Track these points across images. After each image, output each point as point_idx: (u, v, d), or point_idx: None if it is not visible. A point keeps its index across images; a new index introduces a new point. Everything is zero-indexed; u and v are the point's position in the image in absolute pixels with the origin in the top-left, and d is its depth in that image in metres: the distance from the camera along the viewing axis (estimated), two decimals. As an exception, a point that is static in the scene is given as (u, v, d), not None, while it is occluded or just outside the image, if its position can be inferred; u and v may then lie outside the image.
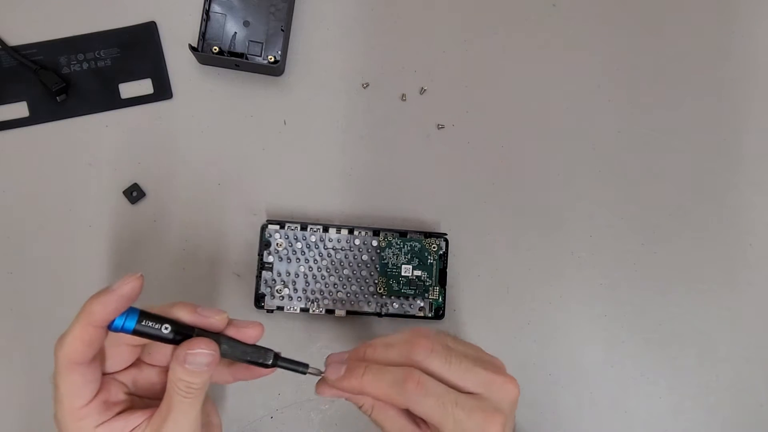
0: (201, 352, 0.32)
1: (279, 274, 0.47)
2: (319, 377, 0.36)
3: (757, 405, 0.52)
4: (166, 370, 0.35)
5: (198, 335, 0.33)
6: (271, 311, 0.47)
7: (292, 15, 0.51)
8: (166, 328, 0.32)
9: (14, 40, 0.49)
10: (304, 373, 0.36)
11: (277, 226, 0.47)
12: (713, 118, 0.54)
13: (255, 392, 0.49)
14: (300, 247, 0.47)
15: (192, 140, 0.50)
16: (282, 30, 0.50)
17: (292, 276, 0.47)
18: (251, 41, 0.50)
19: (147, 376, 0.36)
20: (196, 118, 0.50)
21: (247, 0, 0.50)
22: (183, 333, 0.33)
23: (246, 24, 0.50)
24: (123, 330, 0.32)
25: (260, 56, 0.50)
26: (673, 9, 0.54)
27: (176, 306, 0.34)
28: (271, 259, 0.47)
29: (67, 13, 0.50)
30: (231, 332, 0.34)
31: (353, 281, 0.48)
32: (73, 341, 0.32)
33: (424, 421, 0.35)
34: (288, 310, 0.47)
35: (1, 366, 0.47)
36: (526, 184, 0.52)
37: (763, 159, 0.54)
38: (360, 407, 0.36)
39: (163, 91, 0.50)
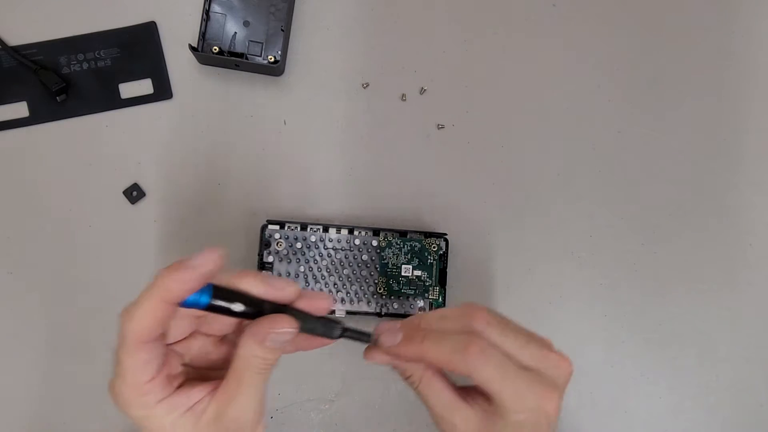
0: (284, 330, 0.31)
1: (279, 274, 0.47)
2: (389, 345, 0.34)
3: (757, 405, 0.52)
4: (221, 339, 0.34)
5: (268, 308, 0.32)
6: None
7: (292, 15, 0.51)
8: (239, 305, 0.31)
9: (14, 40, 0.49)
10: (368, 342, 0.34)
11: (277, 226, 0.47)
12: (713, 118, 0.54)
13: (255, 392, 0.49)
14: (300, 247, 0.47)
15: (192, 140, 0.50)
16: (282, 30, 0.50)
17: (292, 276, 0.47)
18: (251, 41, 0.50)
19: (202, 346, 0.35)
20: (196, 118, 0.50)
21: (247, 0, 0.50)
22: (255, 307, 0.32)
23: (246, 24, 0.50)
24: (196, 306, 0.30)
25: (260, 56, 0.50)
26: (673, 9, 0.54)
27: (246, 277, 0.32)
28: (271, 259, 0.47)
29: (67, 13, 0.50)
30: (301, 304, 0.33)
31: (353, 281, 0.48)
32: (145, 318, 0.29)
33: (471, 396, 0.35)
34: (288, 310, 0.47)
35: (1, 366, 0.47)
36: (526, 184, 0.52)
37: (763, 159, 0.54)
38: (407, 378, 0.36)
39: (163, 91, 0.50)
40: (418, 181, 0.51)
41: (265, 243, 0.47)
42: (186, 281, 0.29)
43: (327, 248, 0.48)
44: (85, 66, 0.50)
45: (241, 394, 0.32)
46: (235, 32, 0.50)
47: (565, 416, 0.50)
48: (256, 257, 0.48)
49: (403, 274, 0.48)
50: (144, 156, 0.50)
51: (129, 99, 0.50)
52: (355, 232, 0.48)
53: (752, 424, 0.52)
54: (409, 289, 0.48)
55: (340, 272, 0.48)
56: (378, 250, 0.48)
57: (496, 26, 0.53)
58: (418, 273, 0.48)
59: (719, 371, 0.52)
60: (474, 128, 0.52)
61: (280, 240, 0.47)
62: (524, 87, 0.53)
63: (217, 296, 0.30)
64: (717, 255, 0.53)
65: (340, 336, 0.34)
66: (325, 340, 0.34)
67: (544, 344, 0.35)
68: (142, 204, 0.49)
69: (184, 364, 0.34)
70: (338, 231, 0.48)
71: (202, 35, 0.49)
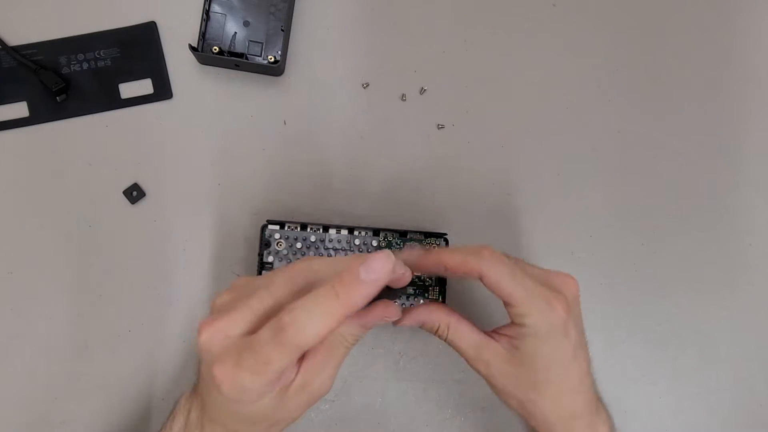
0: (389, 319, 0.35)
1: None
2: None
3: (757, 405, 0.52)
4: None
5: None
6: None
7: (292, 15, 0.51)
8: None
9: (14, 40, 0.49)
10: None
11: (277, 226, 0.47)
12: (713, 118, 0.54)
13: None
14: (300, 247, 0.47)
15: (192, 140, 0.50)
16: (282, 30, 0.50)
17: (292, 276, 0.47)
18: (251, 41, 0.50)
19: None
20: (196, 118, 0.50)
21: (247, 0, 0.50)
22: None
23: (246, 24, 0.50)
24: None
25: (260, 56, 0.50)
26: (673, 9, 0.54)
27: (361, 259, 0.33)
28: (271, 259, 0.47)
29: (67, 13, 0.50)
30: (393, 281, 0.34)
31: (353, 281, 0.48)
32: (323, 332, 0.30)
33: (496, 334, 0.39)
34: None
35: (1, 366, 0.47)
36: (526, 184, 0.52)
37: (763, 159, 0.54)
38: (436, 332, 0.40)
39: (163, 91, 0.50)
40: (418, 181, 0.51)
41: (265, 243, 0.47)
42: (370, 295, 0.31)
43: (327, 248, 0.48)
44: (85, 66, 0.50)
45: (329, 366, 0.34)
46: (235, 32, 0.50)
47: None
48: (257, 257, 0.48)
49: (403, 274, 0.48)
50: (144, 156, 0.50)
51: (129, 99, 0.50)
52: (355, 233, 0.48)
53: (752, 424, 0.52)
54: (409, 289, 0.48)
55: (340, 272, 0.47)
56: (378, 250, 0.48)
57: (496, 26, 0.53)
58: (417, 273, 0.48)
59: (719, 371, 0.52)
60: (474, 128, 0.52)
61: (280, 240, 0.47)
62: (524, 87, 0.53)
63: None
64: (717, 255, 0.53)
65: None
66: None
67: (549, 270, 0.39)
68: (142, 204, 0.49)
69: None
70: (338, 231, 0.48)
71: (202, 35, 0.49)
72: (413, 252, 0.38)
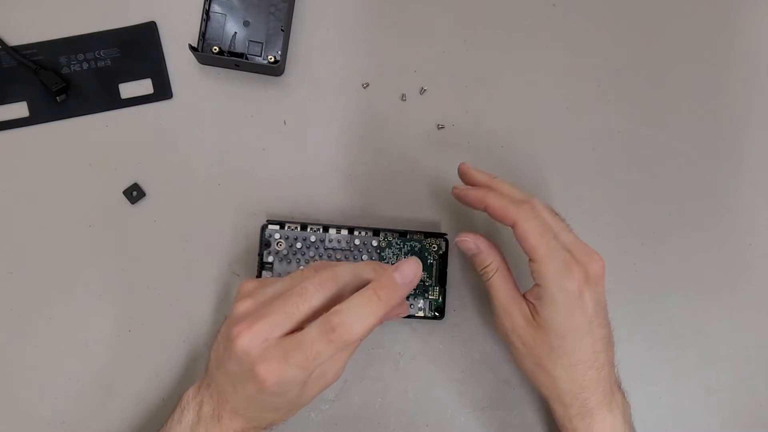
0: (403, 315, 0.45)
1: (279, 274, 0.47)
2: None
3: (757, 405, 0.52)
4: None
5: None
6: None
7: (292, 15, 0.51)
8: None
9: (14, 40, 0.49)
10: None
11: (277, 226, 0.47)
12: (713, 118, 0.54)
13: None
14: (300, 247, 0.47)
15: (192, 140, 0.50)
16: (282, 30, 0.50)
17: (292, 276, 0.47)
18: (251, 41, 0.50)
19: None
20: (196, 118, 0.50)
21: (247, 0, 0.50)
22: None
23: (246, 24, 0.50)
24: None
25: (260, 56, 0.50)
26: (673, 9, 0.54)
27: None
28: (271, 259, 0.47)
29: (67, 13, 0.50)
30: None
31: (353, 281, 0.48)
32: (368, 330, 0.36)
33: (527, 297, 0.43)
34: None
35: (1, 366, 0.47)
36: (526, 185, 0.52)
37: (763, 159, 0.54)
38: (484, 268, 0.44)
39: (163, 91, 0.50)
40: (418, 181, 0.51)
41: (265, 243, 0.47)
42: (403, 297, 0.38)
43: (327, 248, 0.48)
44: (85, 66, 0.50)
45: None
46: (235, 32, 0.50)
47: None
48: (256, 257, 0.48)
49: (403, 274, 0.48)
50: (144, 156, 0.50)
51: (129, 99, 0.50)
52: (355, 233, 0.48)
53: (752, 424, 0.52)
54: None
55: (340, 272, 0.47)
56: (378, 251, 0.48)
57: (496, 26, 0.53)
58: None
59: (719, 371, 0.52)
60: (474, 128, 0.52)
61: (280, 240, 0.47)
62: (524, 87, 0.53)
63: None
64: (717, 255, 0.53)
65: None
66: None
67: (582, 242, 0.42)
68: (142, 204, 0.49)
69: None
70: (338, 231, 0.48)
71: (202, 35, 0.49)
72: (462, 186, 0.45)
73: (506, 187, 0.43)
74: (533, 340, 0.41)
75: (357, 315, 0.35)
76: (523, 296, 0.43)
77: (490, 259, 0.44)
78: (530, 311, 0.42)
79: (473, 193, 0.43)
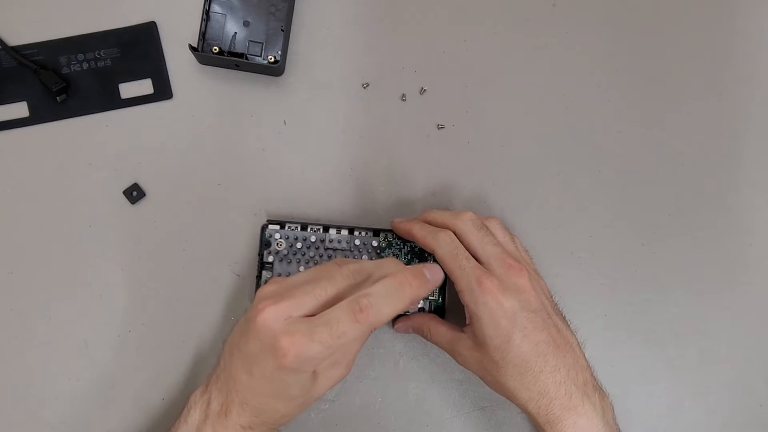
0: (413, 308, 0.48)
1: (279, 275, 0.47)
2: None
3: (757, 405, 0.52)
4: None
5: None
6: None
7: (292, 15, 0.51)
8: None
9: (14, 40, 0.49)
10: None
11: (278, 227, 0.47)
12: (713, 118, 0.54)
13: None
14: (300, 247, 0.47)
15: (192, 140, 0.50)
16: (282, 30, 0.50)
17: (292, 276, 0.47)
18: (251, 41, 0.50)
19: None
20: (196, 118, 0.50)
21: (247, 0, 0.50)
22: None
23: (246, 24, 0.50)
24: None
25: (260, 56, 0.50)
26: (674, 9, 0.54)
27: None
28: (271, 259, 0.47)
29: (67, 13, 0.50)
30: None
31: (353, 281, 0.48)
32: (393, 315, 0.37)
33: (467, 328, 0.44)
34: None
35: (1, 366, 0.47)
36: (526, 184, 0.52)
37: (763, 159, 0.54)
38: (422, 334, 0.47)
39: (163, 91, 0.50)
40: (418, 181, 0.51)
41: (265, 243, 0.47)
42: (429, 292, 0.39)
43: (327, 248, 0.48)
44: (85, 66, 0.50)
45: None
46: (235, 32, 0.50)
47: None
48: (257, 257, 0.48)
49: (403, 274, 0.48)
50: (144, 156, 0.50)
51: (129, 99, 0.50)
52: (355, 233, 0.48)
53: (752, 424, 0.52)
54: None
55: (340, 272, 0.47)
56: (378, 251, 0.48)
57: (496, 26, 0.53)
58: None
59: (719, 371, 0.52)
60: (474, 128, 0.52)
61: (281, 240, 0.47)
62: (524, 87, 0.53)
63: None
64: (717, 255, 0.53)
65: None
66: None
67: (513, 255, 0.43)
68: (142, 204, 0.49)
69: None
70: (338, 231, 0.48)
71: (202, 35, 0.49)
72: (398, 222, 0.47)
73: (434, 215, 0.46)
74: (482, 361, 0.42)
75: (386, 299, 0.37)
76: (464, 327, 0.44)
77: (424, 330, 0.46)
78: (470, 338, 0.43)
79: (403, 225, 0.46)
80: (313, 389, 0.39)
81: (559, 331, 0.42)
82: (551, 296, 0.45)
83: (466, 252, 0.43)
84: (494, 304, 0.41)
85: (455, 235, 0.43)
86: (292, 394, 0.38)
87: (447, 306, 0.49)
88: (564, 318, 0.44)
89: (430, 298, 0.48)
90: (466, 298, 0.42)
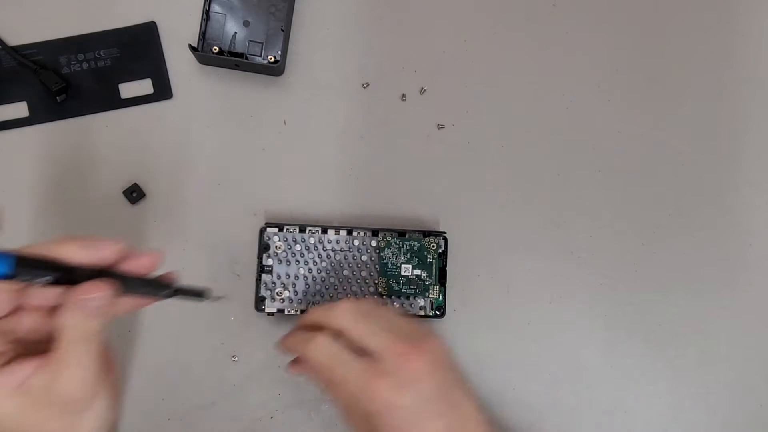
0: (95, 296, 0.30)
1: (279, 277, 0.47)
2: (219, 298, 0.39)
3: (757, 405, 0.52)
4: (51, 311, 0.32)
5: (87, 274, 0.31)
6: (272, 314, 0.47)
7: (292, 15, 0.51)
8: (48, 274, 0.29)
9: (14, 40, 0.49)
10: (202, 299, 0.36)
11: (276, 229, 0.47)
12: (713, 117, 0.54)
13: (255, 392, 0.49)
14: (299, 249, 0.47)
15: (192, 140, 0.50)
16: (282, 30, 0.50)
17: (292, 278, 0.47)
18: (251, 41, 0.50)
19: (34, 320, 0.32)
20: (196, 118, 0.50)
21: (247, 0, 0.50)
22: (68, 274, 0.30)
23: (246, 24, 0.50)
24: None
25: (260, 56, 0.50)
26: (673, 9, 0.54)
27: (64, 244, 0.31)
28: (270, 261, 0.47)
29: (67, 13, 0.50)
30: (126, 265, 0.33)
31: (353, 282, 0.48)
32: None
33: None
34: (289, 312, 0.47)
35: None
36: (526, 184, 0.52)
37: (763, 159, 0.54)
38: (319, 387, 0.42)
39: (163, 91, 0.50)
40: (417, 181, 0.51)
41: (264, 246, 0.47)
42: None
43: (326, 250, 0.48)
44: (85, 66, 0.50)
45: (70, 364, 0.30)
46: (235, 32, 0.50)
47: (565, 416, 0.50)
48: (256, 259, 0.48)
49: (402, 273, 0.48)
50: (144, 156, 0.50)
51: (129, 99, 0.50)
52: (354, 233, 0.48)
53: (752, 424, 0.52)
54: (410, 288, 0.48)
55: (340, 273, 0.48)
56: (377, 251, 0.48)
57: (496, 26, 0.53)
58: (417, 272, 0.48)
59: (719, 371, 0.52)
60: (474, 128, 0.52)
61: (279, 243, 0.47)
62: (524, 87, 0.53)
63: (21, 266, 0.29)
64: (717, 255, 0.53)
65: (172, 295, 0.34)
66: (155, 299, 0.34)
67: (400, 336, 0.38)
68: (142, 204, 0.49)
69: (16, 341, 0.32)
70: (337, 232, 0.48)
71: (202, 35, 0.49)
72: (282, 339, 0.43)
73: (309, 317, 0.41)
74: None
75: None
76: None
77: (316, 381, 0.42)
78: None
79: (281, 343, 0.43)
80: (30, 424, 0.31)
81: (458, 408, 0.38)
82: (450, 355, 0.40)
83: (344, 356, 0.37)
84: (388, 407, 0.36)
85: (340, 331, 0.38)
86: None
87: (447, 305, 0.49)
88: (463, 381, 0.40)
89: (430, 296, 0.48)
90: (355, 410, 0.37)
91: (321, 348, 0.38)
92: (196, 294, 0.36)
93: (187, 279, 0.49)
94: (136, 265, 0.33)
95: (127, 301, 0.34)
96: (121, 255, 0.32)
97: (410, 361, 0.37)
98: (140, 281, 0.33)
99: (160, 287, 0.34)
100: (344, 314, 0.39)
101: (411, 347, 0.37)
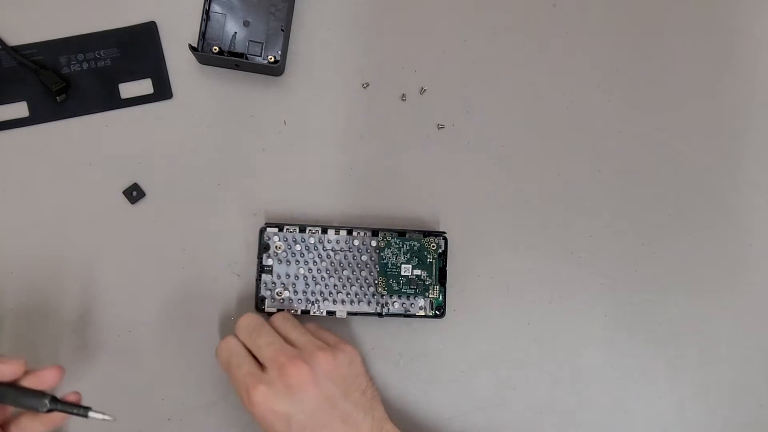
0: None
1: (279, 277, 0.47)
2: (104, 418, 0.37)
3: (757, 405, 0.52)
4: None
5: None
6: (272, 314, 0.47)
7: (292, 15, 0.51)
8: None
9: (14, 40, 0.49)
10: (82, 415, 0.36)
11: (276, 229, 0.47)
12: (713, 118, 0.54)
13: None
14: (299, 249, 0.47)
15: (192, 140, 0.50)
16: (282, 30, 0.50)
17: (292, 278, 0.47)
18: (251, 41, 0.50)
19: None
20: (196, 118, 0.50)
21: (247, 0, 0.50)
22: None
23: (246, 24, 0.50)
24: None
25: (260, 56, 0.50)
26: (673, 9, 0.54)
27: None
28: (270, 261, 0.47)
29: (67, 13, 0.50)
30: (28, 379, 0.36)
31: (353, 282, 0.48)
32: None
33: None
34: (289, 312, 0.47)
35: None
36: (526, 184, 0.52)
37: (763, 159, 0.54)
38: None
39: (163, 91, 0.50)
40: (417, 181, 0.51)
41: (264, 246, 0.47)
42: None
43: (326, 249, 0.48)
44: (85, 66, 0.50)
45: None
46: (235, 32, 0.50)
47: (565, 416, 0.50)
48: (256, 259, 0.48)
49: (402, 273, 0.48)
50: (144, 156, 0.50)
51: (129, 99, 0.50)
52: (354, 233, 0.48)
53: (752, 424, 0.52)
54: (410, 288, 0.48)
55: (340, 273, 0.48)
56: (377, 251, 0.48)
57: (496, 26, 0.53)
58: (417, 272, 0.48)
59: (719, 371, 0.52)
60: (474, 128, 0.52)
61: (279, 243, 0.47)
62: (524, 87, 0.53)
63: None
64: (717, 255, 0.53)
65: (51, 410, 0.35)
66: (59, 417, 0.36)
67: (286, 349, 0.41)
68: (142, 204, 0.49)
69: None
70: (337, 232, 0.48)
71: (202, 35, 0.49)
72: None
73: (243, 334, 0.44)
74: None
75: None
76: None
77: None
78: None
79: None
80: None
81: (345, 421, 0.40)
82: (358, 364, 0.44)
83: (240, 359, 0.42)
84: (266, 413, 0.39)
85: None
86: None
87: (447, 305, 0.49)
88: (367, 389, 0.43)
89: (430, 296, 0.48)
90: (245, 407, 0.41)
91: (224, 347, 0.43)
92: (78, 409, 0.36)
93: (187, 279, 0.49)
94: (37, 382, 0.36)
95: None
96: (20, 373, 0.36)
97: (290, 374, 0.40)
98: (16, 392, 0.34)
99: (36, 401, 0.35)
100: (240, 328, 0.43)
101: (292, 360, 0.40)
